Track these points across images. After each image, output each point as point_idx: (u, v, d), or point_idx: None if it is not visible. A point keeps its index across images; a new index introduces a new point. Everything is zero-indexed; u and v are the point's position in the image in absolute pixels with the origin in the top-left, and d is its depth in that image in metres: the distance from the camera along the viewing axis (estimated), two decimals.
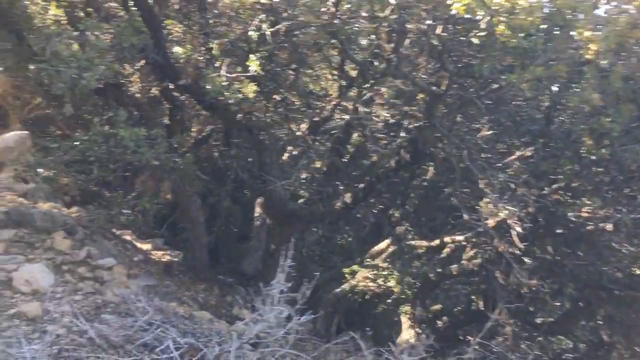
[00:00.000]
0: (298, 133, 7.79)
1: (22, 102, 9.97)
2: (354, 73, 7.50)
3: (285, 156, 8.15)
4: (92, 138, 5.20)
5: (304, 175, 8.12)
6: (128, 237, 7.85)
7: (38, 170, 5.81)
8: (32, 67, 7.17)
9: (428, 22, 5.78)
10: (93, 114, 7.25)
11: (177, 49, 6.15)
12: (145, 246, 8.00)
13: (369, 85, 6.74)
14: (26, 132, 8.10)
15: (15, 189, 7.16)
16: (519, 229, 5.76)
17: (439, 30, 5.84)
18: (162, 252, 8.02)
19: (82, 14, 6.99)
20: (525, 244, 6.23)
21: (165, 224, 7.72)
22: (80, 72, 4.66)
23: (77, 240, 6.01)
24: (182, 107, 7.32)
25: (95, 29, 5.10)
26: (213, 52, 5.85)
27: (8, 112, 10.18)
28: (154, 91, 7.58)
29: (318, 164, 8.61)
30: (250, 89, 5.38)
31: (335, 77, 7.89)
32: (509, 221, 5.74)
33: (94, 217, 5.70)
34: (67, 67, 4.66)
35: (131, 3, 6.09)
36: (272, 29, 5.54)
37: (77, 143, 5.57)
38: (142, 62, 6.13)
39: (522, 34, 5.01)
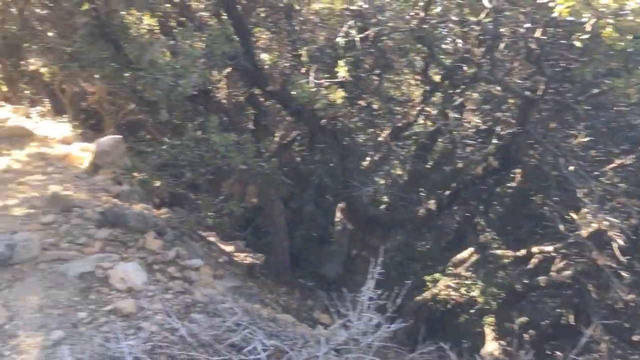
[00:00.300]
0: (380, 138, 7.75)
1: (116, 108, 10.53)
2: (437, 78, 7.38)
3: (367, 161, 8.12)
4: (185, 143, 5.37)
5: (385, 181, 8.04)
6: (212, 239, 8.10)
7: (130, 172, 6.05)
8: (127, 74, 7.56)
9: (526, 25, 5.54)
10: (183, 119, 7.50)
11: (264, 56, 6.25)
12: (229, 248, 8.22)
13: (459, 91, 6.58)
14: (120, 136, 8.53)
15: (110, 190, 7.54)
16: (620, 242, 5.42)
17: (538, 34, 5.60)
18: (244, 254, 8.22)
19: (174, 23, 7.30)
20: (628, 257, 5.86)
21: (250, 227, 7.86)
22: (176, 79, 4.82)
23: (167, 240, 6.23)
24: (267, 113, 7.45)
25: (189, 38, 5.27)
26: (302, 58, 5.89)
27: (103, 117, 10.78)
28: (240, 97, 7.78)
29: (399, 170, 8.54)
30: (339, 95, 5.38)
31: (418, 83, 7.80)
32: (609, 233, 5.42)
33: (183, 219, 5.87)
34: (164, 75, 4.83)
35: (222, 12, 6.24)
36: (361, 35, 5.51)
37: (166, 147, 5.80)
38: (229, 69, 6.28)
39: (630, 36, 4.72)
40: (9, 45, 11.26)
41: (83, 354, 3.90)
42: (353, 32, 5.54)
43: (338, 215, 8.24)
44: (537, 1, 5.12)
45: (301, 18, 7.01)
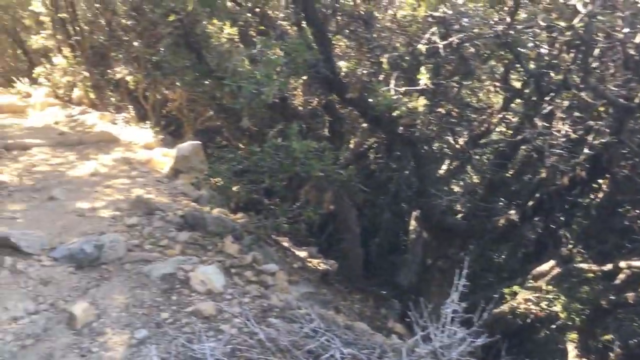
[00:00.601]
0: (457, 146, 7.59)
1: (195, 114, 10.87)
2: (518, 85, 7.16)
3: (444, 169, 7.98)
4: (265, 150, 5.46)
5: (462, 189, 7.86)
6: (286, 244, 8.18)
7: (211, 177, 6.20)
8: (207, 82, 7.80)
9: (625, 30, 5.26)
10: (262, 126, 7.64)
11: (343, 64, 6.27)
12: (302, 253, 8.28)
13: (548, 98, 6.33)
14: (199, 142, 8.80)
15: (190, 194, 7.77)
16: None
17: (638, 39, 5.30)
18: (317, 261, 8.25)
19: (253, 32, 7.47)
20: None
21: (325, 233, 7.88)
22: (259, 87, 4.91)
23: (244, 245, 6.34)
24: (343, 120, 7.46)
25: (270, 47, 5.36)
26: (383, 66, 5.86)
27: (183, 124, 11.15)
28: (315, 104, 7.85)
29: (477, 179, 8.33)
30: (420, 103, 5.31)
31: (498, 89, 7.60)
32: None
33: (260, 224, 5.96)
34: (247, 83, 4.93)
35: (302, 21, 6.29)
36: (444, 42, 5.41)
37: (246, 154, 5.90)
38: (305, 76, 6.32)
39: None
40: (97, 54, 11.90)
41: (168, 354, 4.00)
42: (436, 38, 5.43)
43: (412, 223, 8.13)
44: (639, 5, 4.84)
45: (378, 25, 6.98)
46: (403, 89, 5.65)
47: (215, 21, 7.49)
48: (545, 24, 5.40)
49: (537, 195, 7.39)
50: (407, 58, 6.10)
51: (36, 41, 12.82)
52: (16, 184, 7.33)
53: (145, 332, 4.35)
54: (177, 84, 9.62)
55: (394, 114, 5.52)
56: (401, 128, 6.18)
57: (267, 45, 5.27)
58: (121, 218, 6.44)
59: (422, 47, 5.48)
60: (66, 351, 4.05)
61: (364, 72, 6.31)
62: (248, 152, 5.79)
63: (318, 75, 5.84)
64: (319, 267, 7.83)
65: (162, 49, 8.30)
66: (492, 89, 7.83)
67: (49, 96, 12.39)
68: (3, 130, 10.00)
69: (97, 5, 10.82)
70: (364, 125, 7.57)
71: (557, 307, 7.47)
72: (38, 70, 12.98)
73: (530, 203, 7.37)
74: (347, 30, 6.87)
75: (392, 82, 5.72)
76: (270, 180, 5.48)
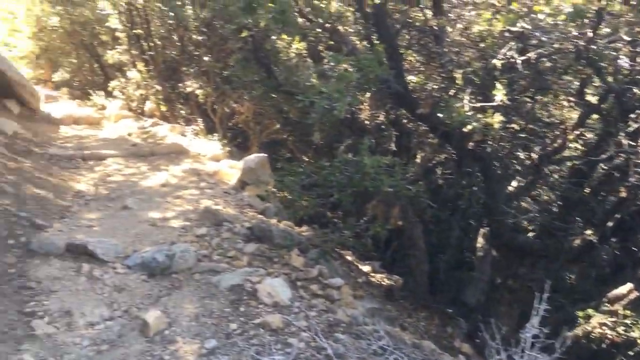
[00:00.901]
0: (529, 162, 7.36)
1: (261, 127, 11.05)
2: (594, 100, 6.88)
3: (515, 186, 7.74)
4: (335, 164, 5.46)
5: (534, 207, 7.59)
6: (349, 258, 8.14)
7: (276, 190, 6.25)
8: (275, 96, 7.91)
9: None
10: (330, 141, 7.66)
11: (412, 78, 6.20)
12: (365, 268, 8.21)
13: (634, 116, 6.04)
14: (265, 154, 8.92)
15: (256, 206, 7.88)
16: None
17: None
18: (380, 275, 8.16)
19: (321, 48, 7.52)
20: None
21: (390, 249, 7.79)
22: (331, 102, 4.92)
23: (310, 258, 6.35)
24: (410, 135, 7.38)
25: (342, 62, 5.37)
26: (457, 81, 5.75)
27: (249, 136, 11.36)
28: (382, 119, 7.81)
29: (547, 196, 8.04)
30: (496, 119, 5.18)
31: (573, 105, 7.32)
32: None
33: (327, 238, 5.96)
34: (320, 98, 4.95)
35: (373, 36, 6.28)
36: (523, 57, 5.26)
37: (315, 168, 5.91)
38: (376, 91, 6.29)
39: None
40: (169, 69, 12.32)
41: None
42: (513, 53, 5.29)
43: (480, 240, 7.92)
44: None
45: (448, 39, 6.88)
46: (478, 104, 5.52)
47: (284, 36, 7.58)
48: (629, 39, 5.16)
49: (617, 215, 7.04)
50: (480, 73, 5.95)
51: (112, 56, 13.41)
52: (92, 193, 7.63)
53: (214, 343, 4.41)
54: (245, 97, 9.81)
55: (465, 129, 5.40)
56: (471, 144, 6.05)
57: (338, 60, 5.28)
58: (191, 228, 6.59)
59: (497, 62, 5.34)
60: (139, 358, 4.15)
61: (434, 87, 6.22)
62: (317, 166, 5.80)
63: (389, 91, 5.79)
64: (382, 283, 7.74)
65: (232, 64, 8.48)
66: (566, 104, 7.56)
67: (123, 108, 12.90)
68: (80, 141, 10.46)
69: (171, 21, 11.19)
70: (432, 140, 7.46)
71: (636, 333, 7.05)
72: (113, 83, 13.56)
73: (610, 223, 7.02)
74: (416, 45, 6.80)
75: (466, 97, 5.61)
76: (339, 195, 5.46)
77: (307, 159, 9.65)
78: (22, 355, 3.87)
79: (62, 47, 15.64)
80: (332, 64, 5.32)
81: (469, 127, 5.23)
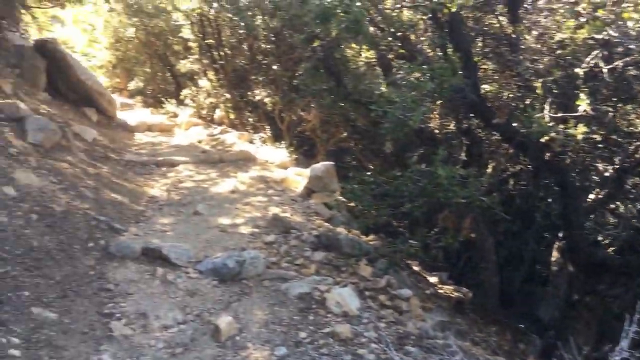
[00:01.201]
0: (608, 174, 7.01)
1: (327, 135, 11.07)
2: None
3: (591, 198, 7.39)
4: (407, 175, 5.38)
5: (615, 221, 7.21)
6: (416, 268, 8.00)
7: (348, 200, 6.23)
8: (343, 104, 7.91)
9: None
10: (400, 150, 7.56)
11: (487, 87, 6.04)
12: (432, 279, 8.05)
13: None
14: (332, 162, 8.92)
15: (322, 214, 7.88)
16: None
17: None
18: (447, 287, 7.98)
19: (391, 56, 7.46)
20: None
21: (461, 260, 7.60)
22: (405, 112, 4.86)
23: (378, 268, 6.28)
24: (482, 144, 7.19)
25: (416, 71, 5.30)
26: (537, 91, 5.56)
27: (315, 144, 11.40)
28: (452, 128, 7.65)
29: (628, 209, 7.62)
30: (580, 130, 4.95)
31: None
32: None
33: (396, 248, 5.88)
34: (393, 108, 4.90)
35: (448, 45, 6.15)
36: (609, 66, 5.01)
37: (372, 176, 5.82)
38: (450, 101, 6.16)
39: None
40: (238, 77, 12.56)
41: None
42: (598, 62, 5.04)
43: (555, 254, 7.60)
44: None
45: (522, 46, 6.66)
46: (559, 114, 5.30)
47: (353, 45, 7.58)
48: None
49: None
50: (560, 82, 5.72)
51: (184, 65, 13.81)
52: (165, 198, 7.85)
53: (284, 350, 4.43)
54: (313, 105, 9.86)
55: (542, 140, 5.20)
56: (549, 155, 5.81)
57: (413, 69, 5.21)
58: (259, 235, 6.67)
59: (579, 71, 5.12)
60: None
61: (510, 96, 6.03)
62: (388, 176, 5.74)
63: (465, 100, 5.66)
64: (451, 295, 7.57)
65: (301, 72, 8.55)
66: None
67: (193, 116, 13.24)
68: (153, 148, 10.80)
69: (241, 31, 11.41)
70: (506, 150, 7.23)
71: None
72: (184, 92, 13.95)
73: None
74: (491, 53, 6.61)
75: (547, 107, 5.40)
76: (411, 205, 5.37)
77: (373, 168, 9.58)
78: (102, 356, 4.00)
79: (137, 57, 16.23)
80: (404, 73, 5.25)
81: (546, 137, 5.03)
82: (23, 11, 10.66)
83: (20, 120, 7.22)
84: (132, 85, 17.07)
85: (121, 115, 12.50)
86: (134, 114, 13.83)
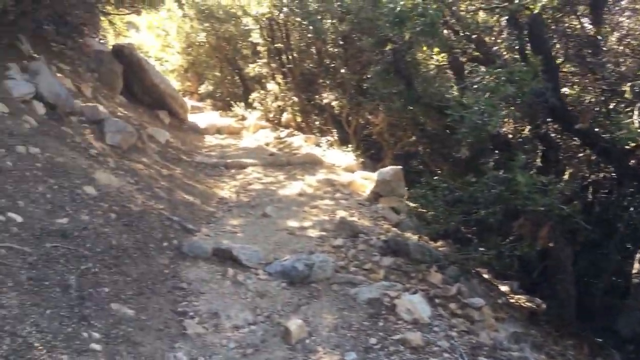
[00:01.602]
0: None
1: (395, 139, 10.95)
2: None
3: None
4: (483, 181, 5.22)
5: None
6: (486, 276, 7.76)
7: (419, 205, 6.12)
8: (412, 108, 7.78)
9: None
10: (474, 156, 7.36)
11: (567, 91, 5.78)
12: (503, 288, 7.79)
13: None
14: (399, 166, 8.81)
15: (390, 218, 7.79)
16: None
17: None
18: (519, 297, 7.70)
19: (464, 59, 7.28)
20: None
21: (537, 269, 7.31)
22: (482, 117, 4.72)
23: (448, 275, 6.13)
24: (558, 150, 6.90)
25: (492, 74, 5.14)
26: (626, 95, 5.28)
27: (383, 148, 11.30)
28: (528, 133, 7.38)
29: None
30: None
31: None
32: None
33: (469, 255, 5.72)
34: (470, 113, 4.77)
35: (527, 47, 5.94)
36: None
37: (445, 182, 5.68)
38: (531, 105, 5.93)
39: None
40: (306, 81, 12.64)
41: None
42: None
43: (637, 266, 7.20)
44: None
45: (604, 48, 6.35)
46: None
47: (425, 48, 7.45)
48: None
49: None
50: None
51: (253, 69, 14.03)
52: (234, 200, 7.98)
53: (354, 356, 4.38)
54: (380, 109, 9.78)
55: (628, 146, 4.91)
56: (634, 162, 5.50)
57: (490, 72, 5.05)
58: (327, 239, 6.65)
59: None
60: None
61: (592, 100, 5.75)
62: (462, 182, 5.59)
63: (545, 105, 5.44)
64: (523, 305, 7.31)
65: (370, 76, 8.49)
66: None
67: (261, 119, 13.43)
68: (223, 150, 11.02)
69: (309, 35, 11.47)
70: (585, 156, 6.91)
71: None
72: (253, 95, 14.17)
73: None
74: (573, 56, 6.33)
75: (636, 112, 5.11)
76: (486, 212, 5.21)
77: (441, 172, 9.38)
78: (177, 353, 4.07)
79: (208, 61, 16.67)
80: (479, 76, 5.10)
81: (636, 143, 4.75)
82: (102, 17, 11.11)
83: (100, 122, 7.52)
84: (202, 88, 17.52)
85: (192, 118, 12.85)
86: (204, 116, 14.19)
